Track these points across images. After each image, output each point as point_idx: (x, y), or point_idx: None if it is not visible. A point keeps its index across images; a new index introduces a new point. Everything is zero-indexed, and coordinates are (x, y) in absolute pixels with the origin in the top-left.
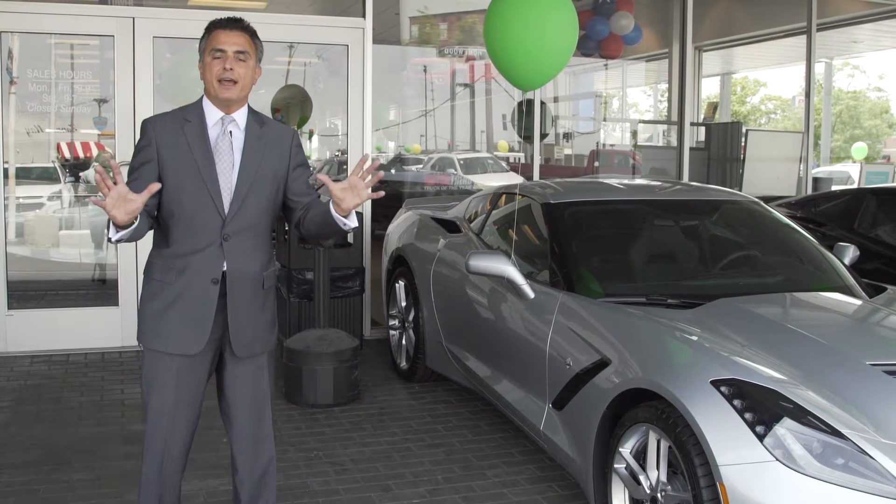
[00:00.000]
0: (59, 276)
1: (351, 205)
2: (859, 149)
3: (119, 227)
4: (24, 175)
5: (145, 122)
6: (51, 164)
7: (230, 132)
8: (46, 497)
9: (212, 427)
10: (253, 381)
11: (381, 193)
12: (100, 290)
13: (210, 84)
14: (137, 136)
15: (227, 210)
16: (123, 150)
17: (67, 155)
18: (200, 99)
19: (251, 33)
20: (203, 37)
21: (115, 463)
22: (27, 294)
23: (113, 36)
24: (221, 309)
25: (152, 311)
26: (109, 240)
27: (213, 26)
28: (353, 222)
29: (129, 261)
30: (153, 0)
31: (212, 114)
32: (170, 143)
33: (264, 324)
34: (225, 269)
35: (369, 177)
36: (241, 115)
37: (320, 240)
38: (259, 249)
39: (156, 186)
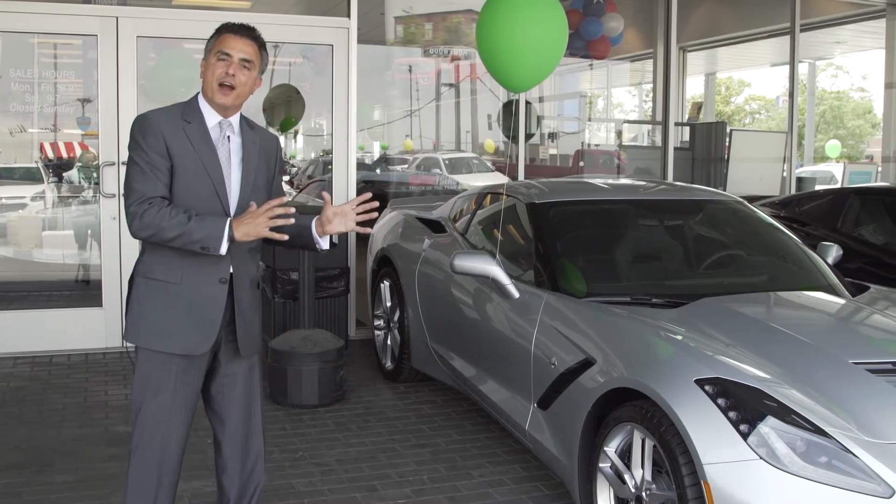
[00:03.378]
0: (43, 277)
1: (336, 228)
2: (833, 146)
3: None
4: (7, 175)
5: (145, 117)
6: (34, 165)
7: (228, 137)
8: (29, 499)
9: (196, 428)
10: (247, 379)
11: (369, 230)
12: (83, 290)
13: (209, 85)
14: (122, 136)
15: (232, 213)
16: (107, 150)
17: (51, 155)
18: (196, 99)
19: (260, 44)
20: (212, 37)
21: (99, 465)
22: (10, 295)
23: (96, 35)
24: (227, 308)
25: (155, 312)
26: (221, 253)
27: (225, 30)
28: (325, 244)
29: (114, 262)
30: None
31: (210, 117)
32: (175, 141)
33: (259, 322)
34: (231, 270)
35: (363, 210)
36: (236, 120)
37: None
38: (254, 251)
39: (280, 201)
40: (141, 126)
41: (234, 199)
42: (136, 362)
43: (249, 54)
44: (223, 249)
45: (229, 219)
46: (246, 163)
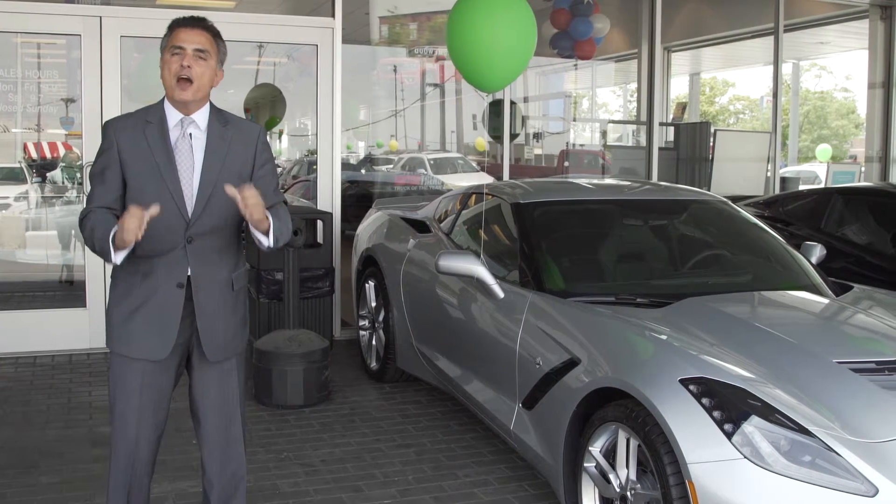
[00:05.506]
0: (26, 278)
1: (249, 217)
2: (824, 150)
3: (120, 250)
4: None
5: (106, 125)
6: (17, 165)
7: (189, 134)
8: (13, 501)
9: (181, 429)
10: (222, 383)
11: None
12: (67, 291)
13: (168, 83)
14: None
15: (190, 213)
16: (91, 150)
17: (34, 155)
18: (162, 100)
19: (213, 33)
20: (164, 35)
21: (83, 466)
22: None
23: (80, 35)
24: (189, 313)
25: (119, 315)
26: (116, 262)
27: (175, 24)
28: (265, 241)
29: (97, 262)
30: None
31: (172, 115)
32: (130, 145)
33: (235, 326)
34: (189, 273)
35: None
36: (201, 116)
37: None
38: (226, 251)
39: (155, 209)
40: (102, 132)
41: (190, 197)
42: (110, 363)
43: (202, 44)
44: (116, 258)
45: (113, 230)
46: (208, 160)
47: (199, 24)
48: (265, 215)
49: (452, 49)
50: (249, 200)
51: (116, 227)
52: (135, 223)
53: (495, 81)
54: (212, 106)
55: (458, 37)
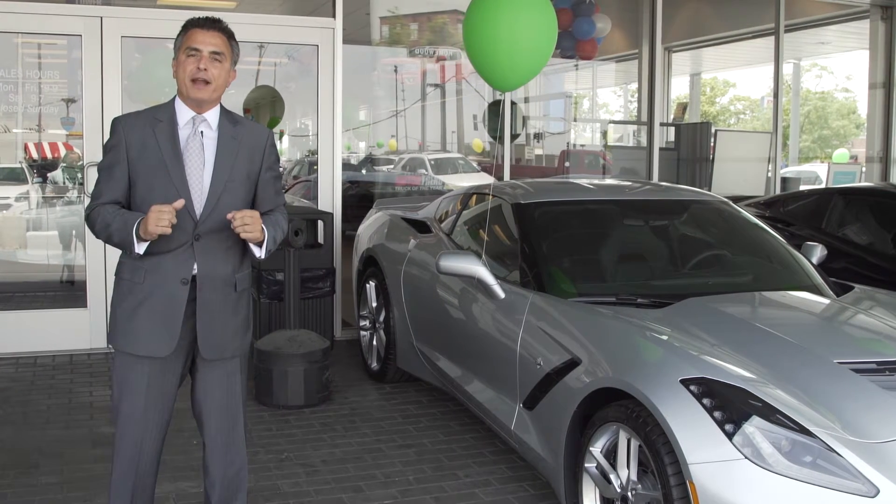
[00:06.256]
0: (27, 278)
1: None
2: (841, 155)
3: (142, 241)
4: None
5: (115, 121)
6: (18, 165)
7: (201, 132)
8: (13, 501)
9: (182, 429)
10: (225, 385)
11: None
12: (68, 291)
13: (182, 83)
14: (106, 137)
15: (199, 211)
16: (91, 150)
17: (35, 155)
18: (173, 99)
19: (228, 35)
20: (179, 35)
21: (84, 466)
22: None
23: (81, 35)
24: (193, 312)
25: (123, 312)
26: (139, 253)
27: (191, 25)
28: (257, 252)
29: (98, 262)
30: None
31: (183, 114)
32: (139, 143)
33: (235, 327)
34: (195, 271)
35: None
36: (212, 115)
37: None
38: (232, 251)
39: (180, 203)
40: (111, 128)
41: (200, 195)
42: (113, 362)
43: (218, 46)
44: (139, 249)
45: (137, 220)
46: (220, 158)
47: (215, 25)
48: (261, 232)
49: (470, 47)
50: (245, 226)
51: (139, 220)
52: (166, 217)
53: (514, 80)
54: (222, 106)
55: (477, 34)
